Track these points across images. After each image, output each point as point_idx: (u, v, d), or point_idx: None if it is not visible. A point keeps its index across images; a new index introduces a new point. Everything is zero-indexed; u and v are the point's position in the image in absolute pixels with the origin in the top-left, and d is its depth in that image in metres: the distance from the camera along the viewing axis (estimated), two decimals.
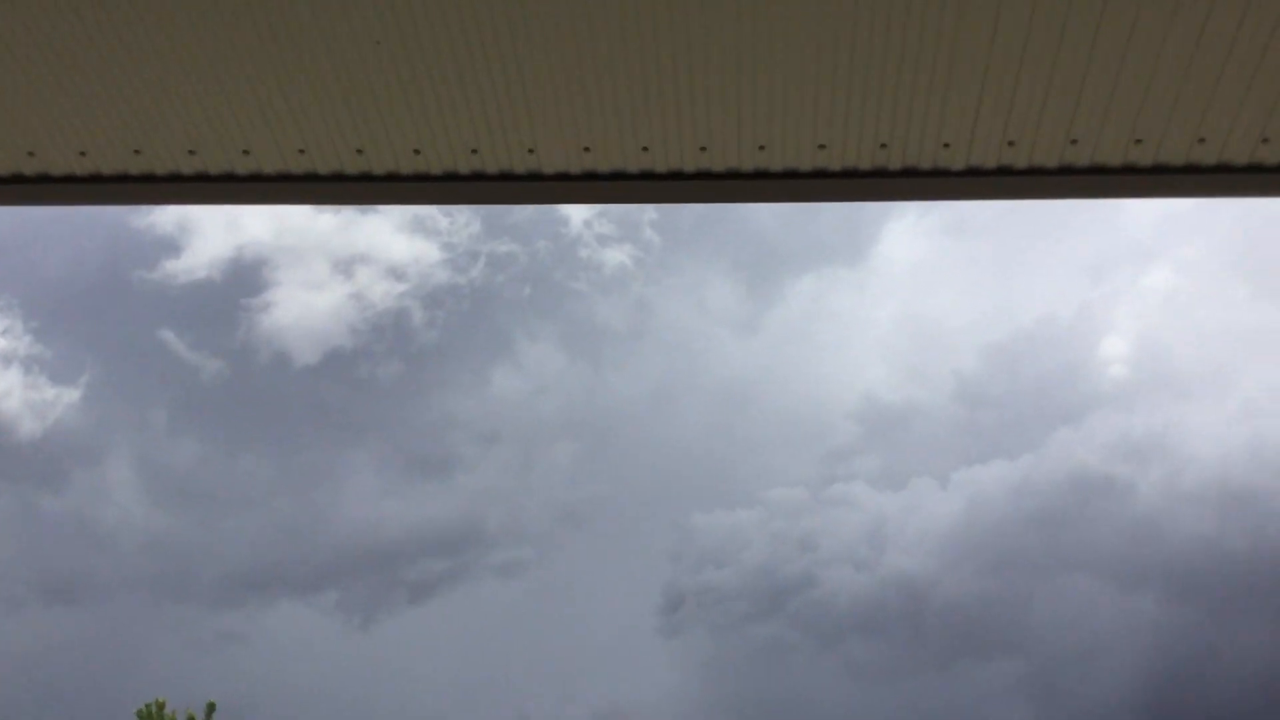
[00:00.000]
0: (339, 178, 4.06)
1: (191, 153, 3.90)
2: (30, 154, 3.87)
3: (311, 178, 4.03)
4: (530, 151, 3.99)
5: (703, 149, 3.97)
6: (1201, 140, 3.66)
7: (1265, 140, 3.63)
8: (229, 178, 3.96)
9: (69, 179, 3.91)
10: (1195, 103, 3.56)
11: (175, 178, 3.94)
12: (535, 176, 4.08)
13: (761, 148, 3.94)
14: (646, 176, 4.08)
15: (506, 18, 3.51)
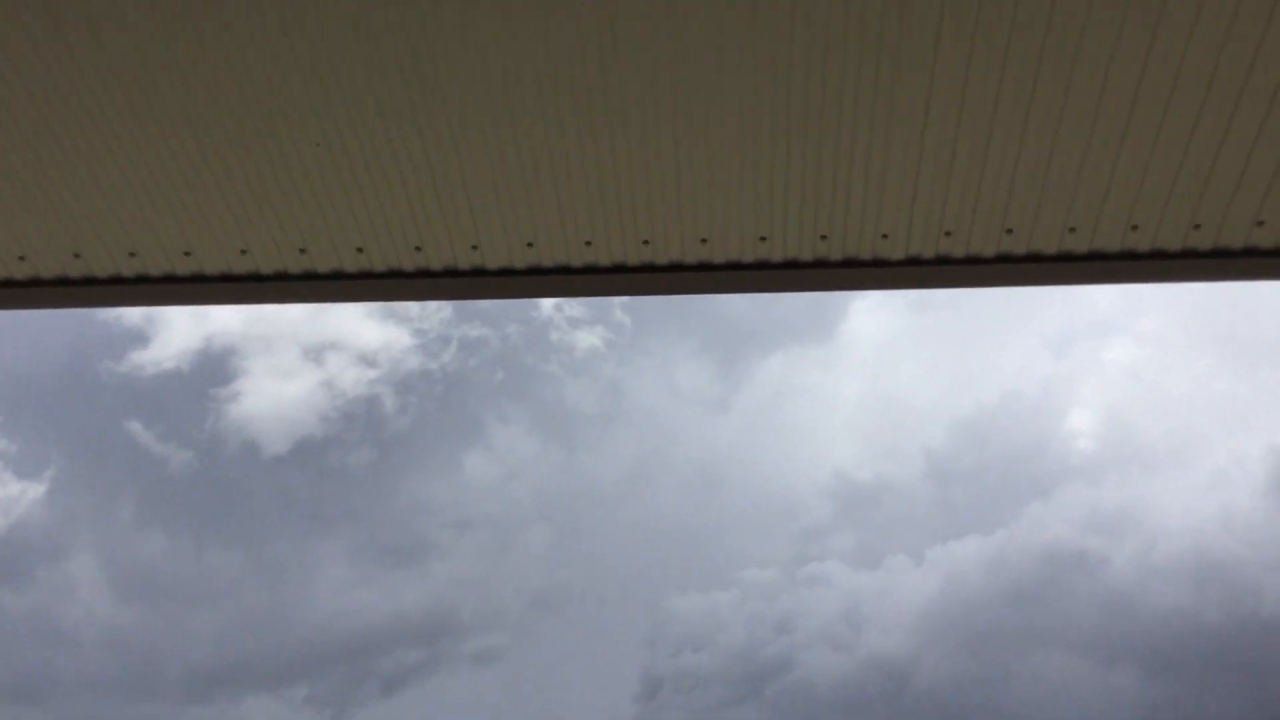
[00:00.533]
0: (283, 276, 4.05)
1: (132, 255, 3.89)
2: None
3: (255, 277, 4.02)
4: (474, 248, 4.00)
5: (646, 243, 3.99)
6: (1135, 227, 3.70)
7: (1197, 227, 3.69)
8: (170, 279, 3.94)
9: (8, 283, 3.89)
10: (1126, 192, 3.62)
11: (116, 280, 3.92)
12: (479, 272, 4.09)
13: (704, 241, 3.97)
14: (590, 270, 4.09)
15: (446, 123, 3.54)
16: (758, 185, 3.75)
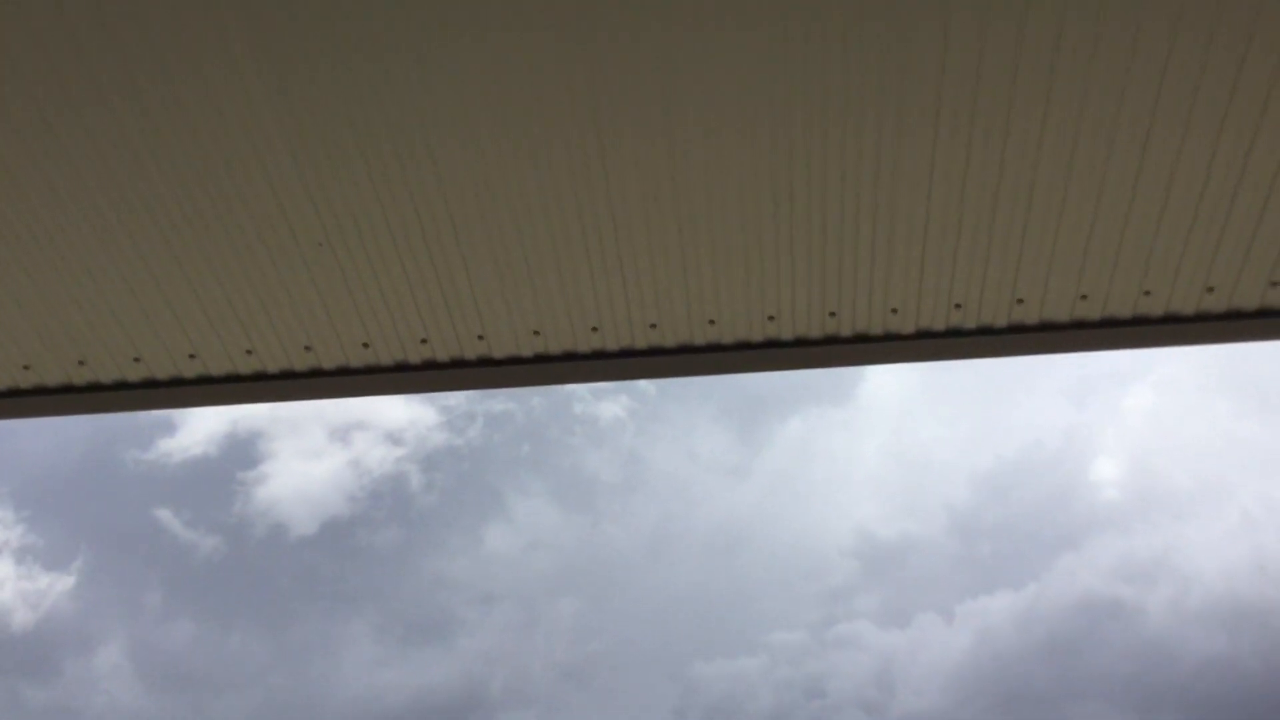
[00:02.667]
0: (289, 375, 4.03)
1: (137, 360, 3.88)
2: None
3: (261, 376, 4.00)
4: (480, 338, 3.98)
5: (653, 326, 3.96)
6: (1147, 293, 3.66)
7: (1210, 290, 3.64)
8: (176, 381, 3.92)
9: (13, 392, 3.88)
10: (1137, 258, 3.58)
11: (121, 385, 3.90)
12: (486, 361, 4.06)
13: (711, 322, 3.93)
14: (598, 356, 4.06)
15: (448, 216, 3.54)
16: (763, 264, 3.72)
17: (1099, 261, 3.60)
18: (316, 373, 3.99)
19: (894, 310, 3.82)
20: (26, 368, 3.85)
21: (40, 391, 3.88)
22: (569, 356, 4.05)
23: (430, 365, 4.04)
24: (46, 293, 3.69)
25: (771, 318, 3.90)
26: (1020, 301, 3.73)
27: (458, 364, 4.05)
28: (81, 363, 3.86)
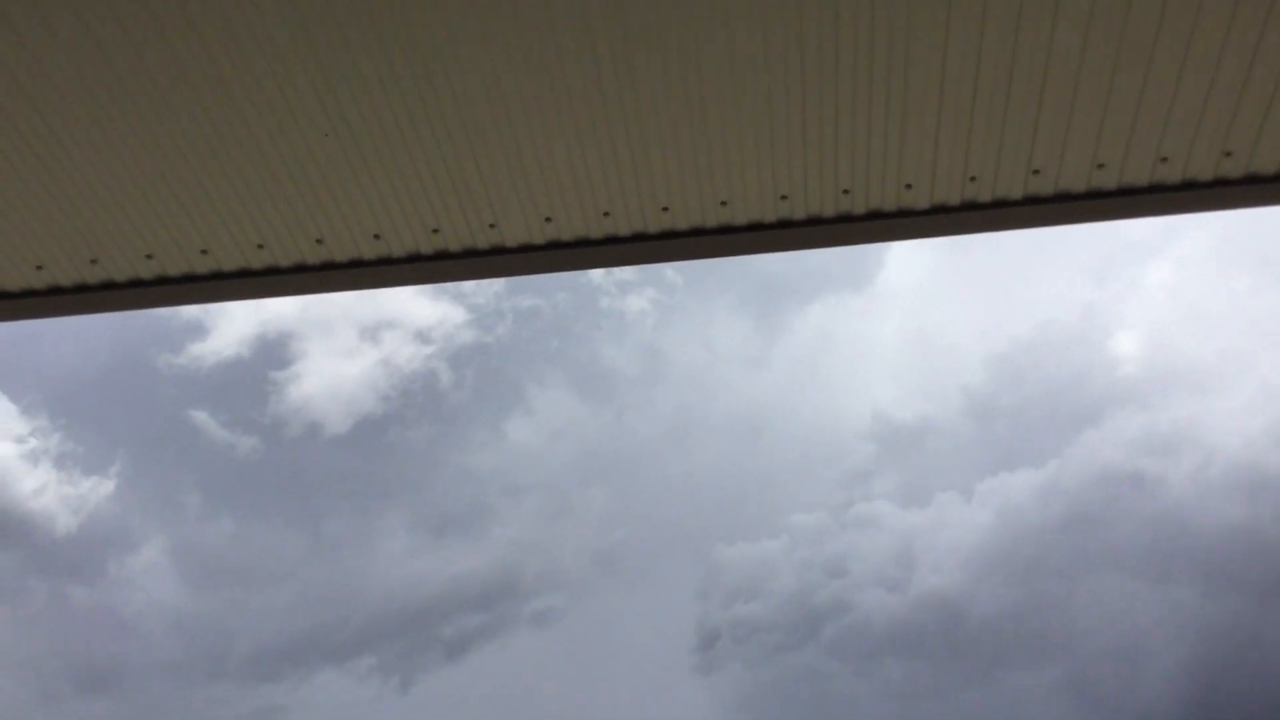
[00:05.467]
0: (303, 269, 4.03)
1: (149, 257, 3.88)
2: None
3: (273, 271, 3.99)
4: (492, 226, 3.95)
5: (665, 209, 3.92)
6: (1164, 159, 3.59)
7: (1228, 155, 3.57)
8: (189, 278, 3.93)
9: (29, 293, 3.89)
10: (1153, 124, 3.50)
11: (135, 283, 3.91)
12: (499, 250, 4.04)
13: (724, 204, 3.89)
14: (611, 241, 4.03)
15: (455, 104, 3.48)
16: (775, 143, 3.66)
17: (1115, 130, 3.52)
18: (329, 266, 3.99)
19: (908, 186, 3.77)
20: (40, 268, 3.86)
21: (55, 291, 3.89)
22: (582, 242, 4.03)
23: (443, 255, 4.03)
24: (57, 193, 3.67)
25: (784, 197, 3.85)
26: (1036, 173, 3.67)
27: (470, 253, 4.03)
28: (94, 261, 3.86)
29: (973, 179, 3.71)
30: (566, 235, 4.00)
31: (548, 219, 3.93)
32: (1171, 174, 3.62)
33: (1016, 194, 3.75)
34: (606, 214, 3.93)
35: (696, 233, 3.99)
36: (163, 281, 3.91)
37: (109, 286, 3.89)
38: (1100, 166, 3.62)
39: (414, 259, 4.01)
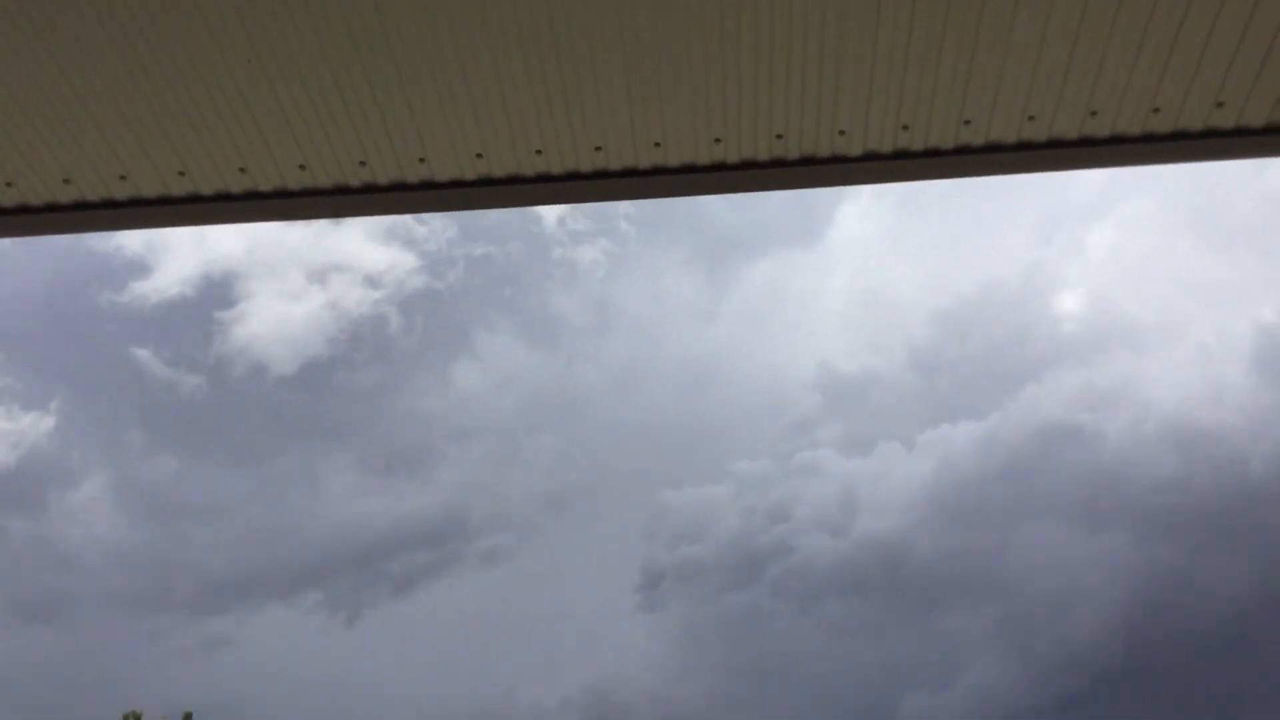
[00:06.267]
0: (225, 197, 3.95)
1: (67, 182, 3.78)
2: None
3: (195, 199, 3.91)
4: (421, 161, 3.89)
5: (598, 149, 3.88)
6: (1094, 113, 3.60)
7: (1156, 111, 3.58)
8: (108, 204, 3.84)
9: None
10: (1084, 78, 3.50)
11: (52, 207, 3.82)
12: (429, 185, 3.98)
13: (657, 145, 3.86)
14: (543, 179, 3.99)
15: (383, 32, 3.40)
16: (709, 86, 3.62)
17: (1046, 82, 3.52)
18: (252, 195, 3.91)
19: (841, 132, 3.76)
20: (9, 185, 3.75)
21: (23, 210, 3.77)
22: (513, 180, 3.98)
23: (370, 188, 3.96)
24: (30, 110, 3.55)
25: (718, 140, 3.82)
26: (968, 123, 3.67)
27: (398, 187, 3.97)
28: (9, 185, 3.76)
29: (905, 128, 3.70)
30: (498, 172, 3.95)
31: (479, 155, 3.88)
32: (1101, 128, 3.63)
33: (948, 144, 3.75)
34: (539, 152, 3.88)
35: (629, 173, 3.95)
36: (80, 207, 3.82)
37: (23, 210, 3.79)
38: (1031, 119, 3.62)
39: (340, 191, 3.95)
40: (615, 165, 3.95)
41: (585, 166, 3.95)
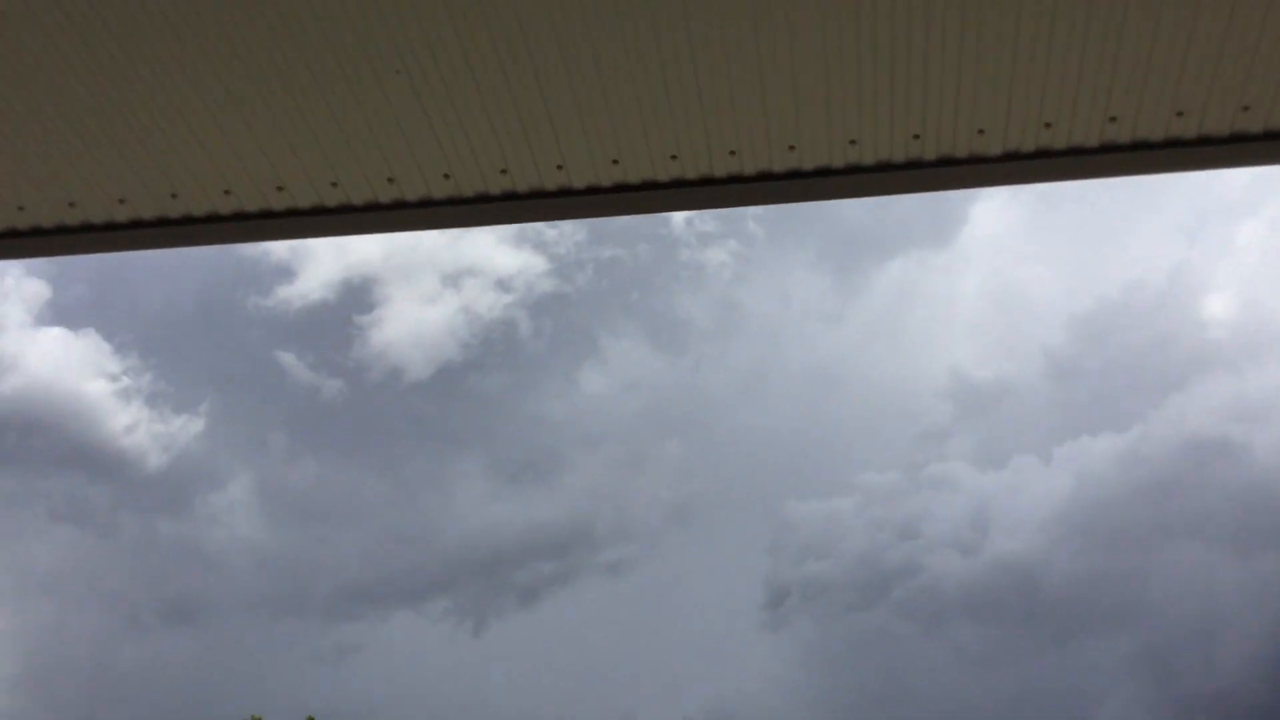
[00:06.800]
0: (375, 207, 4.10)
1: (227, 193, 3.98)
2: (71, 205, 4.00)
3: (347, 209, 4.07)
4: (559, 168, 3.98)
5: (732, 153, 3.91)
6: (1246, 109, 3.49)
7: None
8: (266, 214, 4.02)
9: (110, 226, 4.02)
10: (1237, 71, 3.40)
11: (213, 218, 4.02)
12: (566, 192, 4.07)
13: (791, 148, 3.88)
14: (677, 184, 4.04)
15: (524, 42, 3.50)
16: (844, 86, 3.63)
17: (1195, 76, 3.43)
18: (400, 205, 4.05)
19: (980, 131, 3.72)
20: (122, 201, 3.98)
21: (136, 225, 4.01)
22: (648, 185, 4.04)
23: (510, 196, 4.07)
24: (136, 128, 3.77)
25: (853, 142, 3.82)
26: (1113, 120, 3.60)
27: (537, 194, 4.07)
28: (174, 196, 3.97)
29: (1047, 125, 3.65)
30: (633, 178, 4.02)
31: (614, 161, 3.95)
32: (1253, 124, 3.53)
33: (1093, 141, 3.68)
34: (673, 157, 3.94)
35: (763, 177, 3.98)
36: (240, 218, 4.01)
37: (189, 221, 4.00)
38: (1180, 114, 3.53)
39: (483, 199, 4.06)
40: (749, 170, 3.98)
41: (719, 171, 3.99)
